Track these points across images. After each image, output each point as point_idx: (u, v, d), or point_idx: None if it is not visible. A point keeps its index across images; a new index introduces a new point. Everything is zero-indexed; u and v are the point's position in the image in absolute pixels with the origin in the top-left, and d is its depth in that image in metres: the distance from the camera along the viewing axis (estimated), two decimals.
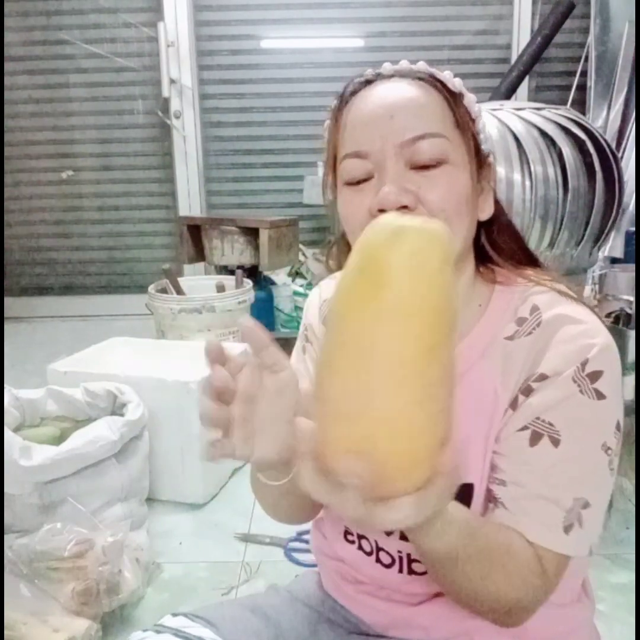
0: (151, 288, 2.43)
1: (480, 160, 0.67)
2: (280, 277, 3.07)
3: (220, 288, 2.49)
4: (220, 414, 0.53)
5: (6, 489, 1.36)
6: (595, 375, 0.60)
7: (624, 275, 1.96)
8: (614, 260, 2.50)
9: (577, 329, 0.61)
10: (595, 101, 2.91)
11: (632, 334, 1.62)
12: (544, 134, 1.66)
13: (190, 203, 3.45)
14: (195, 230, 2.84)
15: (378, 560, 0.72)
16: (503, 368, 0.64)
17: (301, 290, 2.99)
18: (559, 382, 0.60)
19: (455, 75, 0.66)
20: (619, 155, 2.61)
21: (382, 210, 0.60)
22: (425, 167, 0.61)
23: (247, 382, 0.54)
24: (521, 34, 3.25)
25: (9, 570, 1.28)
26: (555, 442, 0.60)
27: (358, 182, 0.63)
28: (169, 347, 2.11)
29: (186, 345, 2.11)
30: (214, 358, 0.53)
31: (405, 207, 0.60)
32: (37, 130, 3.43)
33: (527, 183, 1.63)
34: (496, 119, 1.69)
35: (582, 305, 0.65)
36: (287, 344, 0.71)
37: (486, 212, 0.68)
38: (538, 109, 1.75)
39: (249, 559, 1.55)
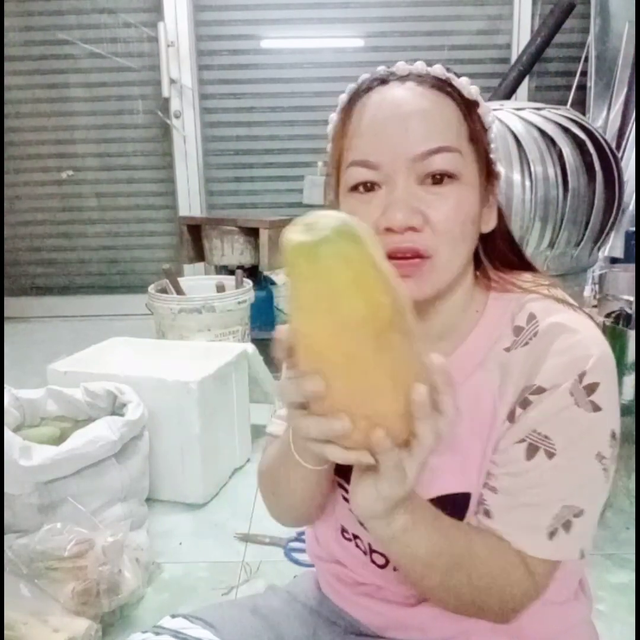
0: (151, 288, 2.43)
1: (489, 172, 0.66)
2: (280, 277, 3.06)
3: (220, 288, 2.50)
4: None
5: (6, 489, 1.36)
6: (592, 388, 0.60)
7: (624, 275, 1.96)
8: (614, 260, 2.50)
9: (573, 338, 0.61)
10: (595, 101, 2.91)
11: (632, 334, 1.62)
12: (543, 134, 1.66)
13: (190, 203, 3.45)
14: (195, 230, 2.84)
15: (372, 561, 0.72)
16: (501, 380, 0.64)
17: None
18: (556, 395, 0.60)
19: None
20: (619, 155, 2.61)
21: (389, 229, 0.59)
22: (435, 181, 0.60)
23: None
24: (521, 34, 3.26)
25: (9, 570, 1.28)
26: (550, 455, 0.60)
27: (364, 190, 0.62)
28: (169, 347, 2.11)
29: (186, 345, 2.11)
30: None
31: (412, 228, 0.59)
32: (37, 130, 3.43)
33: (527, 183, 1.63)
34: (496, 119, 1.69)
35: (578, 311, 0.65)
36: None
37: (489, 224, 0.67)
38: (538, 109, 1.75)
39: (249, 559, 1.55)
